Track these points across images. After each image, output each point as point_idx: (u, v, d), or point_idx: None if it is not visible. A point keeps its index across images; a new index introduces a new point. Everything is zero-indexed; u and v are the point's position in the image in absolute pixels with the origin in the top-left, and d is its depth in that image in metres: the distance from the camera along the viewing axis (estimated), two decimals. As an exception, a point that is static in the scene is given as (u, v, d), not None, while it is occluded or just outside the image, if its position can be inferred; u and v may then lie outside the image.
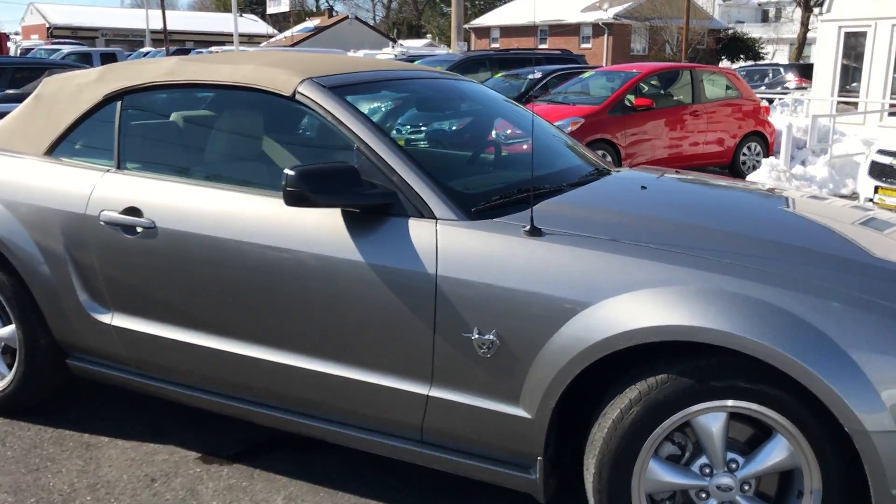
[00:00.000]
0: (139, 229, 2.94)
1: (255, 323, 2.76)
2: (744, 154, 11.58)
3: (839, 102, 15.11)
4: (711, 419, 2.21)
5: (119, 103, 3.18)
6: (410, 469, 3.02)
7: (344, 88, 2.90)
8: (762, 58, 45.50)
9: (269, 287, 2.70)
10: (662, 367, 2.22)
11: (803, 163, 11.23)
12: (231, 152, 3.04)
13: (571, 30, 47.89)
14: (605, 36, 46.30)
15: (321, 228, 2.64)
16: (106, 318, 3.09)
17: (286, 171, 2.52)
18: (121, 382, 3.18)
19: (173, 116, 3.18)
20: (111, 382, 3.21)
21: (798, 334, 2.06)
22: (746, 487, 2.24)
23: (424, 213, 2.55)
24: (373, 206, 2.58)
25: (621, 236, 2.40)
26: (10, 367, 3.43)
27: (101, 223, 3.01)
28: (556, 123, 8.84)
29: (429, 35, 65.81)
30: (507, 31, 50.87)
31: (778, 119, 12.77)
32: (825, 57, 15.50)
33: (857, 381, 2.01)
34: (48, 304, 3.17)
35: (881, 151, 7.33)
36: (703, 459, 2.26)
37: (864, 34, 14.85)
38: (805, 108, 15.48)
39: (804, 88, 20.72)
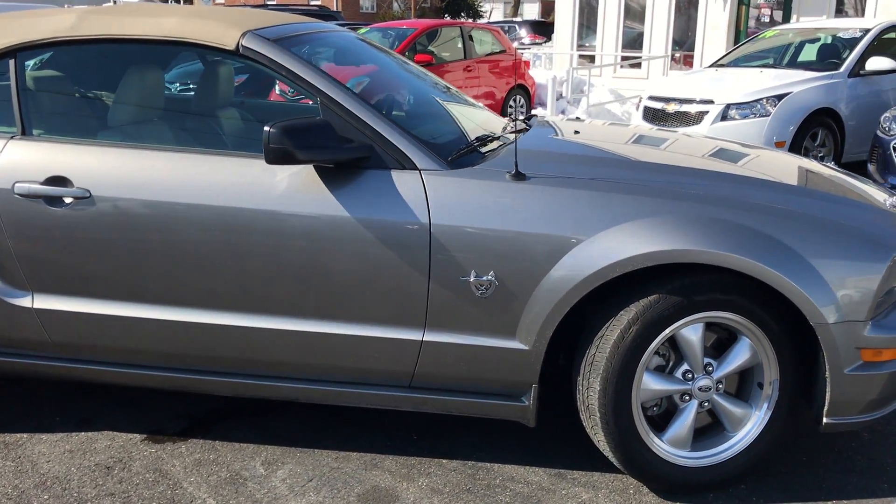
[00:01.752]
0: (68, 200, 2.67)
1: (220, 289, 2.66)
2: (510, 107, 12.35)
3: (579, 56, 16.49)
4: (692, 330, 2.53)
5: (12, 62, 2.83)
6: (377, 415, 3.08)
7: (285, 41, 2.82)
8: (481, 16, 47.95)
9: (236, 250, 2.61)
10: (651, 288, 2.49)
11: (563, 112, 12.22)
12: (168, 112, 2.85)
13: (299, -13, 47.20)
14: (335, -8, 46.23)
15: (293, 185, 2.59)
16: (24, 302, 2.78)
17: (266, 127, 2.45)
18: (41, 371, 2.89)
19: (87, 75, 2.89)
20: (25, 373, 2.90)
21: (770, 248, 2.42)
22: (720, 386, 2.60)
23: (406, 164, 2.59)
24: (351, 160, 2.58)
25: (596, 176, 2.62)
26: None
27: (16, 196, 2.69)
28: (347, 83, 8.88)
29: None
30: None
31: (536, 73, 13.70)
32: (564, 14, 16.78)
33: (817, 283, 2.42)
34: (-58, 293, 2.79)
35: (652, 98, 8.23)
36: (685, 366, 2.58)
37: (596, -7, 16.26)
38: (550, 62, 16.71)
39: (538, 44, 22.26)
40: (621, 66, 15.65)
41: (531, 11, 53.85)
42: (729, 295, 2.49)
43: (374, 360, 2.66)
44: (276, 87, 3.98)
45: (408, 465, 2.79)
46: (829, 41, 8.73)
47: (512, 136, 3.10)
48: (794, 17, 13.86)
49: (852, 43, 8.33)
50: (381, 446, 2.91)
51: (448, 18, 45.61)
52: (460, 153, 2.71)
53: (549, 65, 16.55)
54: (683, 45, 15.51)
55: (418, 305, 2.58)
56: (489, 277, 2.51)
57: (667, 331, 2.50)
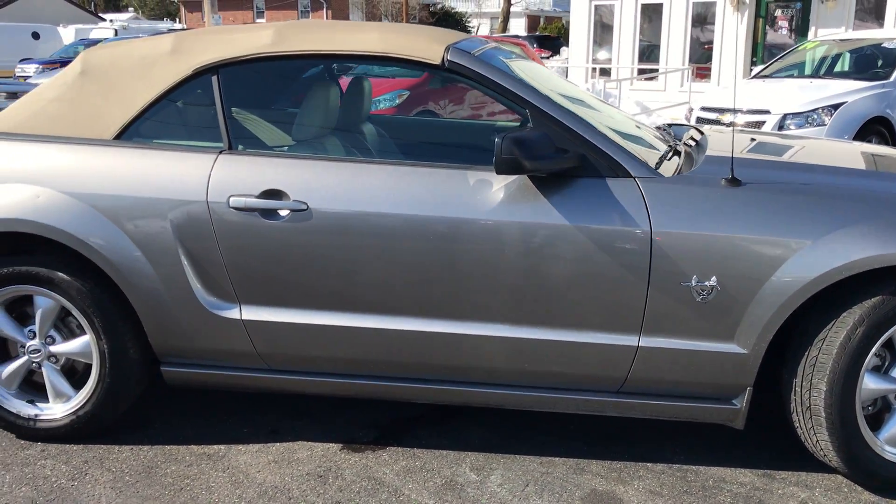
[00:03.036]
0: (284, 212, 2.71)
1: (435, 297, 2.70)
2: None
3: (593, 69, 16.66)
4: (907, 330, 2.60)
5: (214, 78, 2.87)
6: (558, 422, 3.12)
7: (484, 55, 2.89)
8: (469, 31, 48.31)
9: (453, 259, 2.66)
10: (874, 290, 2.56)
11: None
12: (371, 126, 2.90)
13: (290, 3, 47.38)
14: (325, 9, 46.43)
15: (509, 195, 2.65)
16: (232, 314, 2.81)
17: (497, 139, 2.51)
18: (245, 384, 2.92)
19: (288, 90, 2.94)
20: (229, 385, 2.93)
21: None
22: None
23: (619, 172, 2.66)
24: (566, 170, 2.64)
25: (808, 181, 2.69)
26: (76, 385, 2.99)
27: (231, 209, 2.73)
28: (381, 97, 8.95)
29: (131, 7, 61.44)
30: (222, 4, 49.01)
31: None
32: (579, 27, 16.96)
33: None
34: (149, 307, 2.81)
35: (705, 108, 8.37)
36: (899, 366, 2.65)
37: (611, 6, 16.45)
38: (565, 76, 16.86)
39: (546, 58, 22.45)
40: (639, 79, 15.83)
41: (517, 27, 54.25)
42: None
43: (587, 365, 2.71)
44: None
45: (614, 468, 2.84)
46: (872, 51, 8.90)
47: (681, 146, 3.18)
48: (812, 30, 14.09)
49: (898, 53, 8.51)
50: (581, 451, 2.95)
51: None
52: (661, 161, 2.78)
53: (565, 78, 16.70)
54: (699, 57, 15.71)
55: (635, 311, 2.64)
56: (711, 282, 2.57)
57: (889, 331, 2.57)
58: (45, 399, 3.03)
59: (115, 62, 2.97)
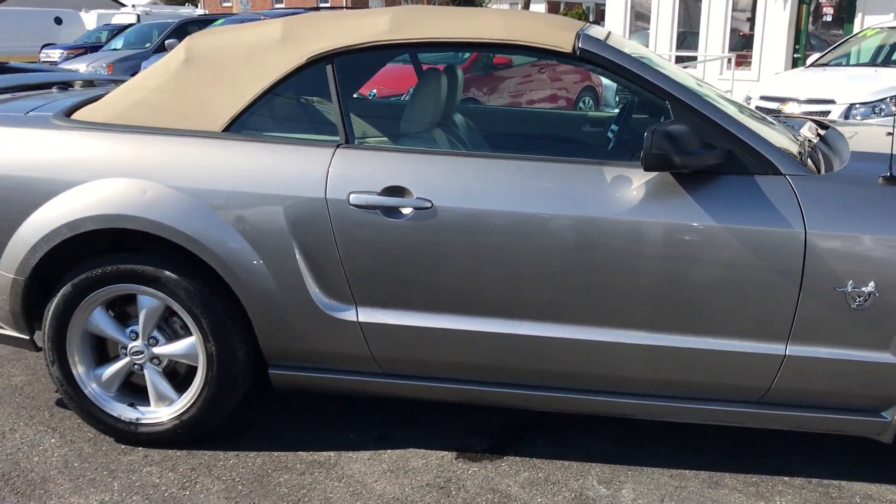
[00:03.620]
0: (407, 210, 2.57)
1: (568, 301, 2.55)
2: (580, 107, 12.23)
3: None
4: None
5: (329, 67, 2.72)
6: (694, 429, 2.97)
7: (613, 42, 2.72)
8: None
9: (589, 261, 2.50)
10: None
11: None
12: (504, 119, 2.74)
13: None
14: (346, -5, 46.16)
15: (651, 193, 2.49)
16: (348, 316, 2.67)
17: (647, 133, 2.35)
18: (345, 387, 2.78)
19: (405, 78, 2.78)
20: (338, 390, 2.80)
21: None
22: None
23: (769, 170, 2.49)
24: (712, 166, 2.47)
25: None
26: (178, 388, 2.86)
27: (351, 206, 2.58)
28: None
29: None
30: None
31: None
32: (615, 15, 16.69)
33: None
34: (261, 307, 2.68)
35: (764, 97, 8.15)
36: None
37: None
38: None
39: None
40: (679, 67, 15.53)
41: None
42: None
43: (728, 374, 2.56)
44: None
45: (751, 482, 2.68)
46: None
47: (811, 142, 3.00)
48: (858, 16, 13.78)
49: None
50: (712, 464, 2.80)
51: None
52: (802, 157, 2.62)
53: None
54: (740, 45, 15.43)
55: (784, 317, 2.48)
56: (868, 288, 2.41)
57: None
58: (146, 402, 2.90)
59: (222, 50, 2.82)
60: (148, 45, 16.81)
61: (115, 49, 17.44)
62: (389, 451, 2.87)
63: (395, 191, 2.58)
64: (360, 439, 2.94)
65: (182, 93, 2.80)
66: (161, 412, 2.86)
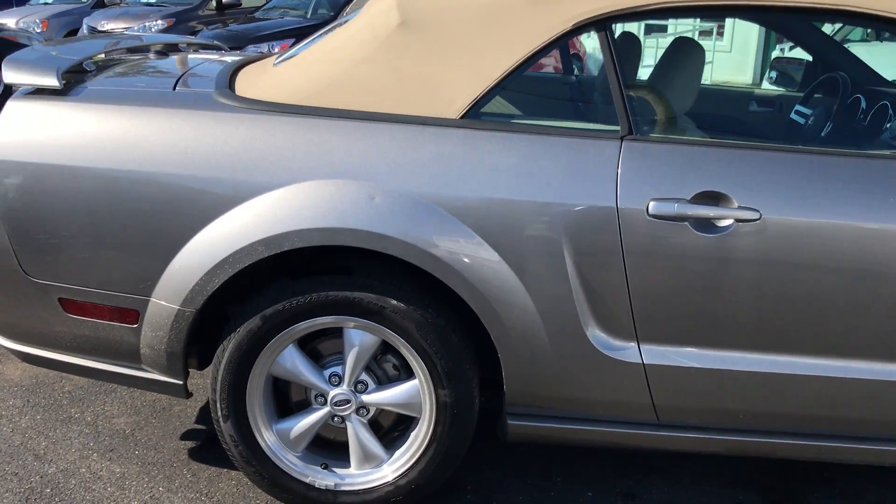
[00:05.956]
0: (726, 223, 2.00)
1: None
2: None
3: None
4: None
5: (603, 35, 2.10)
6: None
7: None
8: None
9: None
10: None
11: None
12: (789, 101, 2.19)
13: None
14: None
15: None
16: (629, 356, 2.10)
17: None
18: (606, 440, 2.21)
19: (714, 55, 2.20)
20: (584, 440, 2.22)
21: None
22: None
23: None
24: None
25: None
26: (387, 444, 2.25)
27: (650, 218, 2.00)
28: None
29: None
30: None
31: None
32: None
33: None
34: (517, 343, 2.08)
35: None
36: None
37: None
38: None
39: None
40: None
41: None
42: None
43: None
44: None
45: None
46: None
47: None
48: None
49: None
50: None
51: None
52: None
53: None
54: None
55: None
56: None
57: None
58: (344, 462, 2.27)
59: (450, 12, 2.17)
60: (86, -3, 15.13)
61: (46, 3, 15.80)
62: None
63: (710, 197, 2.01)
64: (604, 499, 2.39)
65: (399, 67, 2.14)
66: (372, 476, 2.24)
